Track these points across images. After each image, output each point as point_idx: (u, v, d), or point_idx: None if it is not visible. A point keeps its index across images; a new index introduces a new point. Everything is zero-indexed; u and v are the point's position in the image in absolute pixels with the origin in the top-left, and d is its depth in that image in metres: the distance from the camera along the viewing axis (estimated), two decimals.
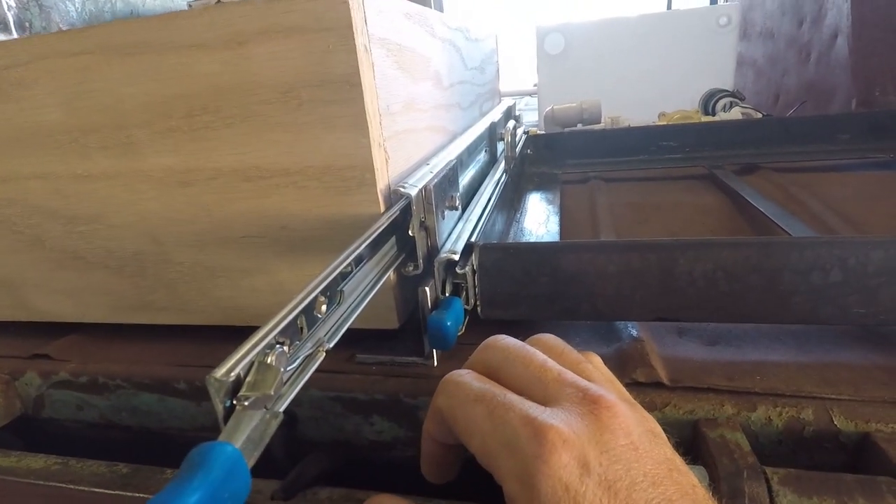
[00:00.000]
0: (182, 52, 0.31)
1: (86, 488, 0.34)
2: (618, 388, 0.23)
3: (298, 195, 0.33)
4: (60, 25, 0.94)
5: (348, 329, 0.29)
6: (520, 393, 0.21)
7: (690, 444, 0.29)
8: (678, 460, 0.20)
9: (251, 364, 0.18)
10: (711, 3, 1.94)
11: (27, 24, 0.88)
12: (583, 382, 0.21)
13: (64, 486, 0.34)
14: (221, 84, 0.32)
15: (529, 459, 0.18)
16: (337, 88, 0.30)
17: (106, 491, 0.33)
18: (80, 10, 1.00)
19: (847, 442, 0.27)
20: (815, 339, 0.34)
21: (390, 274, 0.33)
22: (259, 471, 0.33)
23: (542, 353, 0.23)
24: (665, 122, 1.06)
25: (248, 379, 0.18)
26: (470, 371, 0.23)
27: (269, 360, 0.18)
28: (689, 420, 0.29)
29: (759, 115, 1.03)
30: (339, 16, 0.29)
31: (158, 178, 0.35)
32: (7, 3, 0.85)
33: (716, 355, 0.33)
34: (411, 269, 0.33)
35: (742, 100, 1.15)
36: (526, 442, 0.18)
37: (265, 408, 0.18)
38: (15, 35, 0.86)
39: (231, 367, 0.17)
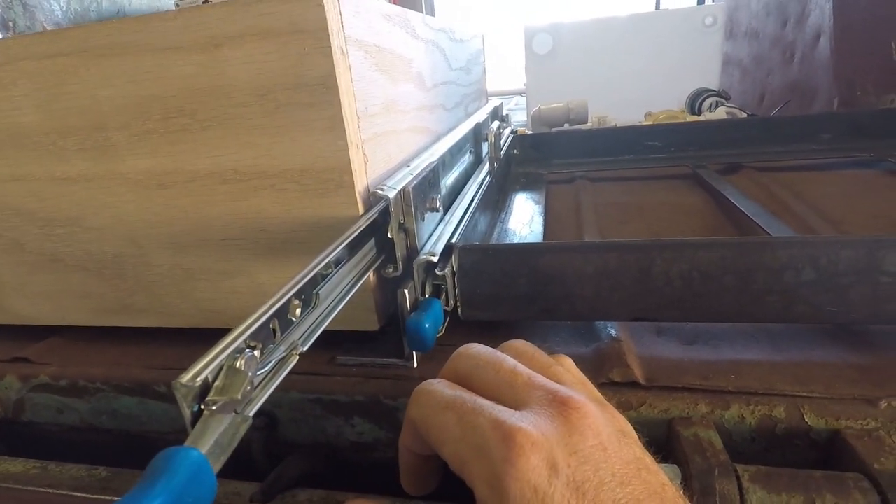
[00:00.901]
0: (158, 54, 0.31)
1: (64, 492, 0.33)
2: (588, 390, 0.24)
3: (276, 198, 0.33)
4: (45, 25, 0.94)
5: (328, 331, 0.29)
6: (491, 398, 0.21)
7: (664, 442, 0.29)
8: (648, 459, 0.20)
9: (220, 368, 0.18)
10: (698, 4, 1.95)
11: (11, 24, 0.87)
12: (552, 385, 0.21)
13: (42, 490, 0.34)
14: (197, 86, 0.31)
15: (498, 463, 0.18)
16: (313, 91, 0.30)
17: (85, 495, 0.33)
18: (65, 9, 0.99)
19: (818, 439, 0.28)
20: (789, 338, 0.34)
21: (370, 276, 0.33)
22: (238, 473, 0.33)
23: (512, 358, 0.23)
24: (651, 122, 1.07)
25: (216, 383, 0.18)
26: (441, 380, 0.23)
27: (237, 365, 0.18)
28: (663, 419, 0.29)
29: (745, 115, 1.04)
30: (315, 18, 0.29)
31: (136, 181, 0.35)
32: None
33: (692, 354, 0.34)
34: (391, 271, 0.33)
35: (728, 99, 1.16)
36: (495, 445, 0.18)
37: (235, 412, 0.18)
38: None
39: (198, 371, 0.17)
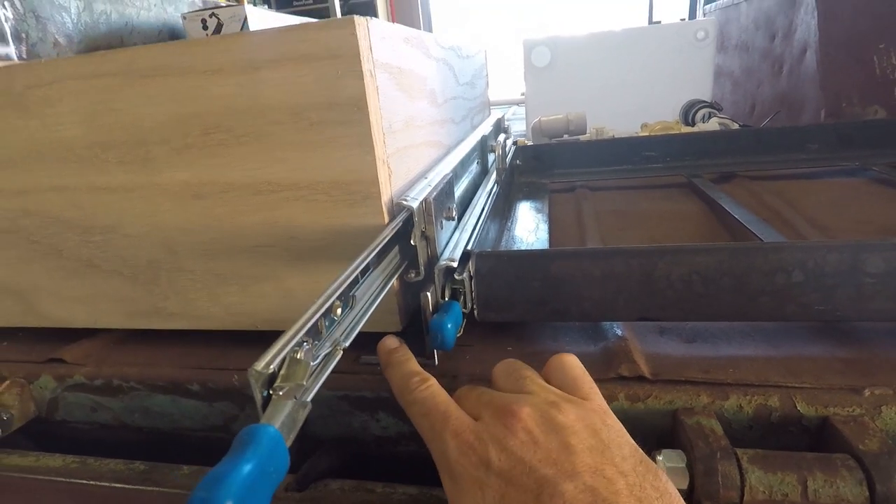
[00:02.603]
0: (199, 76, 0.34)
1: (107, 484, 0.36)
2: (548, 392, 0.28)
3: (307, 208, 0.36)
4: (56, 36, 0.97)
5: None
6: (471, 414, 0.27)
7: (670, 430, 0.32)
8: (580, 445, 0.24)
9: (284, 359, 0.20)
10: (690, 18, 2.00)
11: (24, 35, 0.90)
12: (502, 400, 0.27)
13: (85, 482, 0.36)
14: (235, 105, 0.34)
15: (453, 462, 0.25)
16: (345, 110, 0.33)
17: (127, 486, 0.35)
18: (75, 21, 1.03)
19: (809, 425, 0.31)
20: (781, 335, 0.37)
21: (394, 281, 0.35)
22: None
23: (499, 376, 0.30)
24: (647, 133, 1.10)
25: (281, 372, 0.20)
26: (432, 385, 0.29)
27: (298, 356, 0.21)
28: (668, 409, 0.32)
29: (736, 126, 1.08)
30: (348, 45, 0.31)
31: (174, 192, 0.38)
32: (4, 14, 0.87)
33: (693, 351, 0.36)
34: (413, 275, 0.36)
35: (720, 110, 1.20)
36: (452, 450, 0.25)
37: (295, 398, 0.21)
38: (12, 46, 0.89)
39: (269, 361, 0.19)
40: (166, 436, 0.42)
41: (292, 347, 0.21)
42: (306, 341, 0.22)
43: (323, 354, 0.24)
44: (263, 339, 0.24)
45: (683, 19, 1.73)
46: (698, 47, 1.43)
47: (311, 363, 0.23)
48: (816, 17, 1.05)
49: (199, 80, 0.34)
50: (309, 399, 0.21)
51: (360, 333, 0.38)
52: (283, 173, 0.35)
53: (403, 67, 0.40)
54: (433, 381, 0.30)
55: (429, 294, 0.34)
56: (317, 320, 0.23)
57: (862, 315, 0.33)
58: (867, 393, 0.30)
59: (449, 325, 0.33)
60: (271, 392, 0.20)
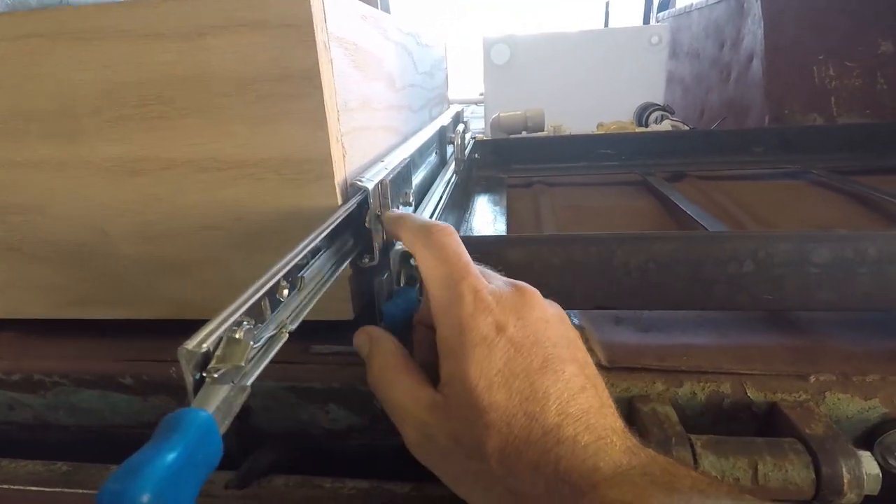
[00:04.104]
0: (137, 40, 0.31)
1: (21, 487, 0.32)
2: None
3: (255, 187, 0.34)
4: None
5: (304, 321, 0.29)
6: None
7: (626, 418, 0.31)
8: (579, 342, 0.27)
9: (220, 339, 0.19)
10: (644, 23, 2.06)
11: None
12: (513, 280, 0.28)
13: None
14: (177, 74, 0.32)
15: (466, 316, 0.24)
16: (296, 83, 0.31)
17: (44, 489, 0.32)
18: None
19: (758, 411, 0.31)
20: (732, 325, 0.38)
21: (346, 265, 0.34)
22: None
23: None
24: (603, 132, 1.12)
25: (217, 353, 0.18)
26: (453, 232, 0.28)
27: (237, 335, 0.19)
28: (625, 397, 0.32)
29: (687, 128, 1.11)
30: (301, 13, 0.29)
31: (107, 168, 0.35)
32: None
33: (648, 340, 0.36)
34: (367, 261, 0.34)
35: (672, 113, 1.23)
36: (468, 303, 0.25)
37: (232, 381, 0.19)
38: None
39: (202, 339, 0.17)
40: (95, 434, 0.39)
41: (230, 326, 0.19)
42: (247, 321, 0.21)
43: (266, 337, 0.22)
44: None
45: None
46: (652, 52, 1.48)
47: (253, 345, 0.21)
48: (762, 27, 1.10)
49: (136, 46, 0.31)
50: (248, 383, 0.20)
51: (309, 322, 0.36)
52: (230, 150, 0.33)
53: (360, 45, 0.38)
54: (456, 233, 0.28)
55: (382, 280, 0.33)
56: (258, 299, 0.21)
57: (808, 305, 0.34)
58: (812, 379, 0.31)
59: (402, 313, 0.32)
60: (205, 375, 0.18)
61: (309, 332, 0.37)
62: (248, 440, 0.35)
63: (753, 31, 1.16)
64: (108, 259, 0.37)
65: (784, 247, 0.33)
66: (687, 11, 1.58)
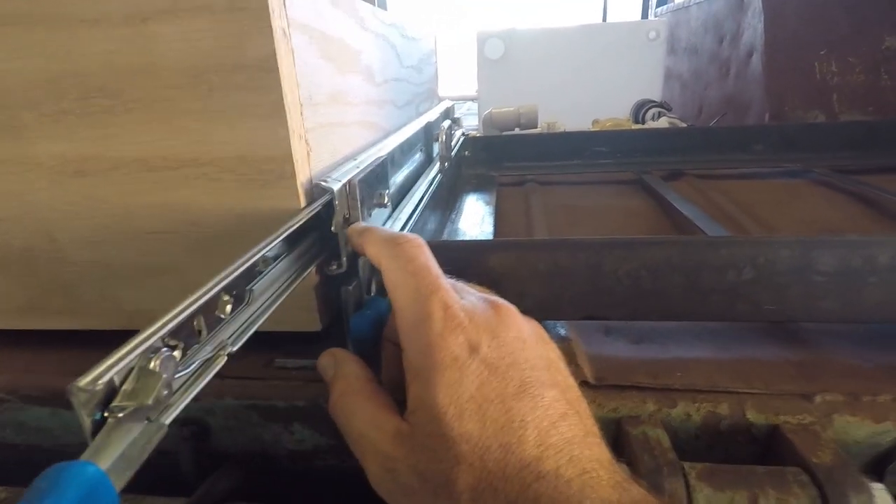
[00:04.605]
0: (74, 26, 0.28)
1: None
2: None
3: (210, 188, 0.31)
4: None
5: (267, 332, 0.26)
6: None
7: (614, 441, 0.29)
8: (560, 363, 0.24)
9: (129, 369, 0.16)
10: (642, 18, 2.03)
11: None
12: (489, 294, 0.26)
13: None
14: (120, 64, 0.29)
15: (435, 335, 0.22)
16: (252, 74, 0.28)
17: None
18: None
19: (758, 434, 0.28)
20: (730, 336, 0.35)
21: (312, 273, 0.31)
22: (164, 487, 0.31)
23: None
24: (598, 129, 1.10)
25: (124, 387, 0.16)
26: (422, 244, 0.26)
27: (151, 366, 0.16)
28: (613, 418, 0.29)
29: (685, 125, 1.08)
30: None
31: (50, 167, 0.32)
32: None
33: (640, 353, 0.34)
34: (334, 268, 0.31)
35: (669, 110, 1.20)
36: (437, 320, 0.22)
37: (147, 419, 0.16)
38: None
39: (100, 373, 0.15)
40: (47, 454, 0.36)
41: (142, 354, 0.16)
42: (172, 346, 0.18)
43: (199, 361, 0.20)
44: None
45: None
46: (650, 47, 1.45)
47: (180, 373, 0.18)
48: (763, 22, 1.07)
49: (73, 32, 0.28)
50: (168, 421, 0.17)
51: (273, 333, 0.33)
52: (181, 147, 0.30)
53: (329, 34, 0.35)
54: (426, 245, 0.26)
55: (350, 289, 0.30)
56: (187, 319, 0.19)
57: (812, 316, 0.32)
58: (818, 399, 0.28)
59: (371, 325, 0.29)
60: (106, 414, 0.15)
61: (273, 343, 0.35)
62: (206, 462, 0.32)
63: (753, 26, 1.13)
64: (56, 265, 0.34)
65: (786, 253, 0.30)
66: (686, 6, 1.55)
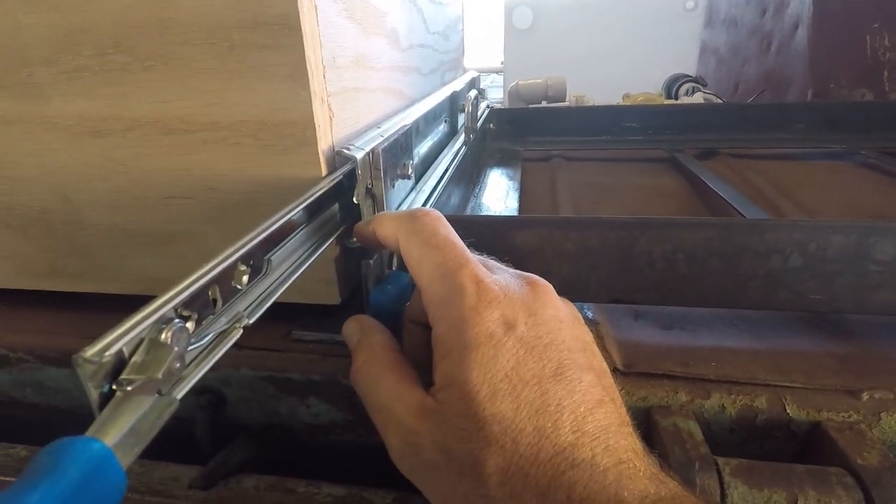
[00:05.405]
0: None
1: None
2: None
3: (229, 153, 0.30)
4: None
5: (285, 304, 0.25)
6: None
7: (643, 431, 0.27)
8: (595, 347, 0.23)
9: (139, 341, 0.15)
10: None
11: None
12: (522, 273, 0.24)
13: None
14: (136, 19, 0.27)
15: (467, 310, 0.21)
16: (273, 31, 0.27)
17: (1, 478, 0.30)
18: None
19: (798, 431, 0.27)
20: (768, 325, 0.33)
21: (332, 244, 0.30)
22: (180, 455, 0.30)
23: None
24: (629, 103, 1.06)
25: (134, 359, 0.15)
26: (441, 217, 0.24)
27: (162, 337, 0.15)
28: (642, 407, 0.28)
29: (721, 102, 1.03)
30: None
31: (67, 127, 0.31)
32: None
33: (671, 340, 0.32)
34: (355, 240, 0.30)
35: (704, 86, 1.15)
36: (469, 295, 0.21)
37: (159, 392, 0.15)
38: None
39: (108, 343, 0.14)
40: (66, 415, 0.37)
41: (153, 325, 0.15)
42: (185, 316, 0.17)
43: (214, 333, 0.19)
44: None
45: None
46: (686, 18, 1.38)
47: (195, 345, 0.18)
48: None
49: None
50: (180, 395, 0.16)
51: (292, 305, 0.32)
52: (199, 109, 0.29)
53: None
54: (444, 218, 0.25)
55: (372, 262, 0.29)
56: (201, 289, 0.18)
57: (862, 308, 0.29)
58: (865, 397, 0.27)
59: (392, 299, 0.28)
60: (114, 387, 0.14)
61: (291, 315, 0.34)
62: (221, 432, 0.32)
63: None
64: (73, 228, 0.34)
65: (839, 239, 0.28)
66: None
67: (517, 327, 0.21)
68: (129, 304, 0.37)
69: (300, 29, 0.26)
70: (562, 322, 0.22)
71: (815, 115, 0.77)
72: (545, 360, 0.20)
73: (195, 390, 0.32)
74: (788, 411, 0.27)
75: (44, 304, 0.38)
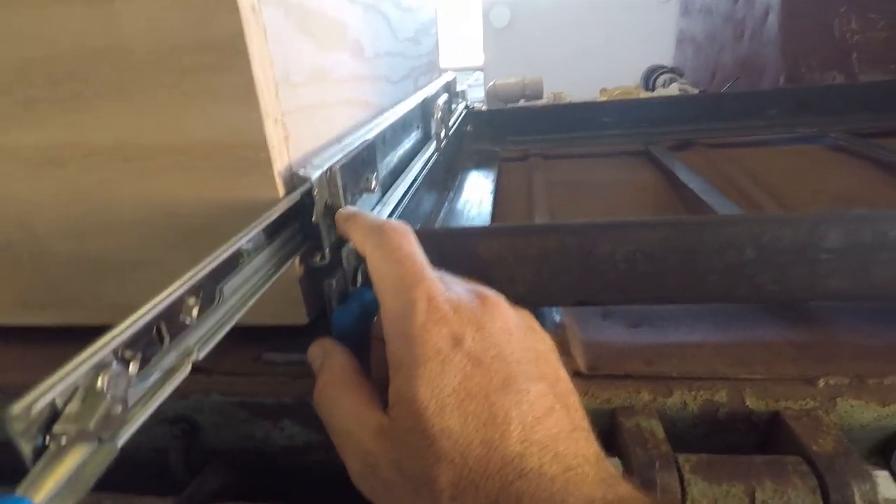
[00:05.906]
0: (39, 6, 0.27)
1: None
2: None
3: (186, 177, 0.30)
4: None
5: (254, 326, 0.25)
6: None
7: (607, 434, 0.28)
8: (550, 354, 0.24)
9: (73, 389, 0.15)
10: None
11: None
12: (475, 286, 0.25)
13: None
14: (88, 46, 0.27)
15: (418, 325, 0.21)
16: (221, 53, 0.27)
17: None
18: None
19: (758, 422, 0.27)
20: (732, 317, 0.34)
21: (295, 265, 0.30)
22: (153, 486, 0.30)
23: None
24: (606, 98, 1.06)
25: (68, 409, 0.15)
26: (408, 231, 0.25)
27: (98, 384, 0.15)
28: (606, 409, 0.28)
29: (697, 91, 1.04)
30: None
31: (25, 157, 0.31)
32: None
33: (638, 338, 0.33)
34: (317, 259, 0.30)
35: (681, 76, 1.16)
36: (420, 313, 0.22)
37: (99, 440, 0.15)
38: None
39: (37, 396, 0.14)
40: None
41: (89, 371, 0.15)
42: (124, 359, 0.17)
43: (162, 370, 0.19)
44: None
45: None
46: (662, 9, 1.38)
47: (135, 386, 0.18)
48: None
49: (38, 12, 0.27)
50: (121, 442, 0.16)
51: (261, 327, 0.32)
52: (155, 134, 0.29)
53: (309, 7, 0.34)
54: (412, 233, 0.26)
55: (333, 282, 0.29)
56: (145, 326, 0.18)
57: (817, 295, 0.30)
58: (821, 383, 0.27)
59: (355, 318, 0.28)
60: (47, 441, 0.14)
61: (261, 337, 0.34)
62: (196, 459, 0.32)
63: None
64: (38, 259, 0.34)
65: (789, 232, 0.29)
66: None
67: (464, 342, 0.21)
68: (95, 335, 0.37)
69: (246, 49, 0.27)
70: (511, 334, 0.22)
71: (787, 101, 0.78)
72: (493, 373, 0.21)
73: (168, 420, 0.32)
74: (748, 403, 0.27)
75: (8, 340, 0.38)
